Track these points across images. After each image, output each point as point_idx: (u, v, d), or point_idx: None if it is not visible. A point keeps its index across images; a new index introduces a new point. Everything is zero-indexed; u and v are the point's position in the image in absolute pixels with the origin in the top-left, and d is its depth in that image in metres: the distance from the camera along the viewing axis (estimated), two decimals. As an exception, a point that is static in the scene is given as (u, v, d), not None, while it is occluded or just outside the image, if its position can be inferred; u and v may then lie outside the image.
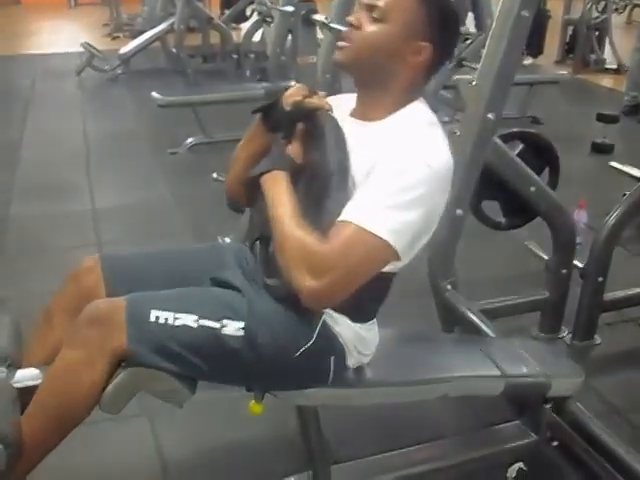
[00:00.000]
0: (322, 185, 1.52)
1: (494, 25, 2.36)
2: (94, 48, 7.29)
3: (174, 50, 7.54)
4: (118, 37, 9.49)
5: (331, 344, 1.62)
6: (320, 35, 4.51)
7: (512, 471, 2.10)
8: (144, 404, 2.31)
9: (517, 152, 2.56)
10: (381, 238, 1.43)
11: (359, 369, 1.71)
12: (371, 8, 1.56)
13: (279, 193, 1.53)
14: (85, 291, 1.71)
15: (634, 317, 2.95)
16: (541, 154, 2.61)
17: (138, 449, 2.27)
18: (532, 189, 2.48)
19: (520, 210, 2.57)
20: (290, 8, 3.51)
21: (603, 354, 2.72)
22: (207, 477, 2.16)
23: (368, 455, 2.14)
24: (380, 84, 1.60)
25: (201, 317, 1.53)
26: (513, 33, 2.26)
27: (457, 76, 5.35)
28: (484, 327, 2.43)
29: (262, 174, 1.58)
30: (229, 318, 1.55)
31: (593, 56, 8.18)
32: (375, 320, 1.72)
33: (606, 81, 7.85)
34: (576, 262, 2.66)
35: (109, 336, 1.48)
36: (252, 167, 1.65)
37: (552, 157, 2.63)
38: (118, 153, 5.21)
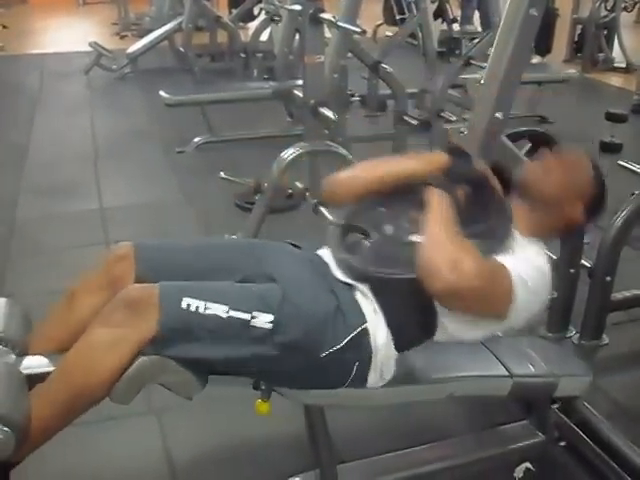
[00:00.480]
0: (484, 230, 1.72)
1: (502, 24, 2.35)
2: (102, 47, 7.30)
3: (182, 49, 7.55)
4: (126, 36, 9.49)
5: (362, 351, 1.63)
6: (328, 34, 4.51)
7: (519, 471, 2.10)
8: (151, 402, 2.32)
9: (525, 151, 2.55)
10: (512, 296, 1.64)
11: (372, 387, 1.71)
12: (567, 158, 1.93)
13: (448, 210, 1.70)
14: (114, 277, 1.74)
15: (642, 317, 2.95)
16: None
17: (146, 447, 2.27)
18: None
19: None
20: (298, 7, 3.50)
21: (611, 354, 2.71)
22: (214, 475, 2.17)
23: (375, 454, 2.15)
24: (539, 213, 1.86)
25: (232, 308, 1.56)
26: (521, 32, 2.25)
27: (465, 75, 5.33)
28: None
29: (438, 187, 1.75)
30: (260, 310, 1.57)
31: (602, 55, 8.14)
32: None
33: (615, 80, 7.82)
34: (584, 261, 2.65)
35: (140, 319, 1.52)
36: (395, 181, 1.85)
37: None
38: (126, 152, 5.22)
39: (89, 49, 7.35)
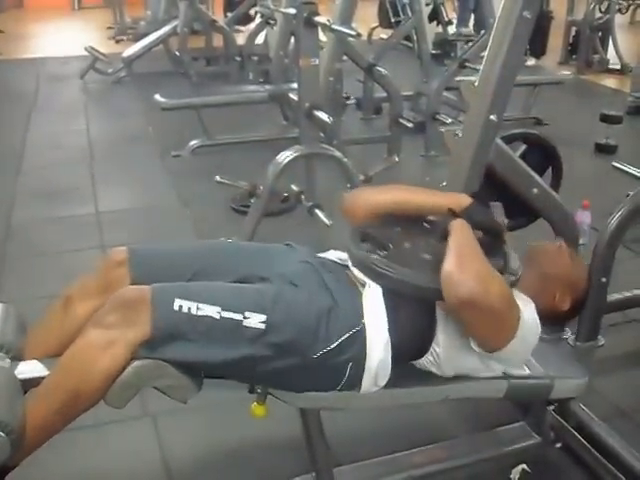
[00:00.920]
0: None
1: (496, 26, 2.35)
2: (98, 51, 7.30)
3: (177, 53, 7.55)
4: (122, 40, 9.48)
5: (355, 353, 1.64)
6: (323, 37, 4.52)
7: (515, 473, 2.10)
8: (147, 406, 2.32)
9: (520, 153, 2.55)
10: (514, 333, 1.66)
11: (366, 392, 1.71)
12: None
13: (473, 236, 1.72)
14: (109, 282, 1.75)
15: (638, 318, 2.95)
16: (544, 155, 2.61)
17: (142, 451, 2.27)
18: (535, 190, 2.47)
19: (523, 211, 2.56)
20: (292, 10, 3.50)
21: (607, 355, 2.71)
22: (210, 479, 2.16)
23: (371, 457, 2.15)
24: (534, 285, 1.90)
25: (224, 309, 1.56)
26: (515, 34, 2.25)
27: (459, 77, 5.34)
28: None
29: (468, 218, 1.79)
30: (252, 310, 1.58)
31: (596, 57, 8.16)
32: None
33: (609, 82, 7.84)
34: (579, 263, 2.65)
35: (133, 321, 1.52)
36: (405, 209, 1.88)
37: (555, 158, 2.63)
38: (122, 156, 5.22)
39: (85, 53, 7.34)
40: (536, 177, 2.49)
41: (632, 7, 10.30)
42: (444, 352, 1.70)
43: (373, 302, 1.69)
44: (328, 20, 3.60)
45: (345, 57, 5.17)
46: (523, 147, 2.58)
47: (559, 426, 2.23)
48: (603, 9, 8.10)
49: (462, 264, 1.59)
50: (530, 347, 1.77)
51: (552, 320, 2.01)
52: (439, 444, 2.23)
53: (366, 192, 2.03)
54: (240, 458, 2.23)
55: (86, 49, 7.27)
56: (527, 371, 1.94)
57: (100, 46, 7.74)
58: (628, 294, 2.85)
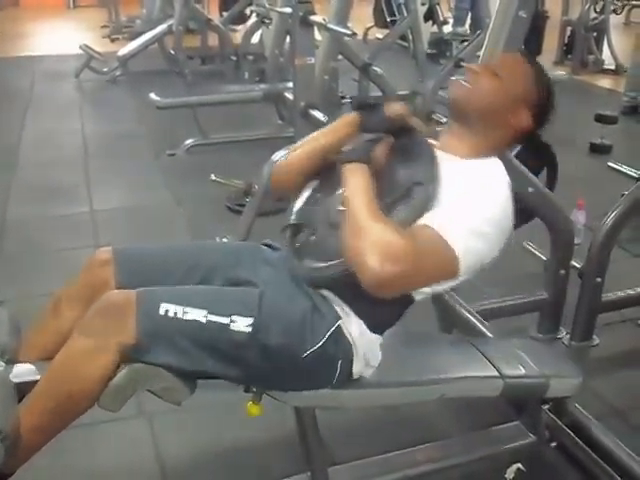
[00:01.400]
0: (403, 193, 1.60)
1: (491, 26, 2.36)
2: (93, 50, 7.28)
3: (173, 52, 7.55)
4: (117, 39, 9.46)
5: (342, 348, 1.63)
6: (318, 36, 4.52)
7: (510, 472, 2.10)
8: (142, 405, 2.32)
9: (515, 153, 2.55)
10: (454, 252, 1.51)
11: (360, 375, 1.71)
12: (494, 66, 1.79)
13: (362, 183, 1.59)
14: (95, 283, 1.73)
15: (632, 317, 2.96)
16: (539, 155, 2.60)
17: (136, 450, 2.27)
18: (530, 190, 2.47)
19: (518, 211, 2.56)
20: (288, 9, 3.51)
21: (601, 355, 2.72)
22: (205, 478, 2.16)
23: (366, 456, 2.14)
24: (478, 129, 1.75)
25: (210, 312, 1.55)
26: (511, 33, 2.26)
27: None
28: (482, 328, 2.44)
29: (347, 161, 1.65)
30: (239, 314, 1.56)
31: (591, 57, 8.17)
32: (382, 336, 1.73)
33: (604, 82, 7.85)
34: (574, 263, 2.66)
35: (118, 327, 1.50)
36: (322, 156, 1.79)
37: (550, 158, 2.63)
38: (117, 155, 5.21)
39: (80, 52, 7.33)
40: (531, 176, 2.49)
41: (627, 8, 10.32)
42: (423, 293, 1.67)
43: (332, 298, 1.66)
44: (324, 19, 3.61)
45: (340, 56, 5.17)
46: (518, 147, 2.58)
47: (554, 425, 2.23)
48: (598, 9, 8.11)
49: (353, 244, 1.48)
50: (497, 224, 1.59)
51: (526, 140, 1.89)
52: (434, 443, 2.23)
53: (283, 162, 1.93)
54: (235, 457, 2.23)
55: (81, 48, 7.25)
56: (522, 370, 1.94)
57: (95, 45, 7.73)
58: (622, 294, 2.86)
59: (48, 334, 1.74)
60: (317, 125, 3.58)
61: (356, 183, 1.59)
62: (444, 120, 4.86)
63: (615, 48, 8.07)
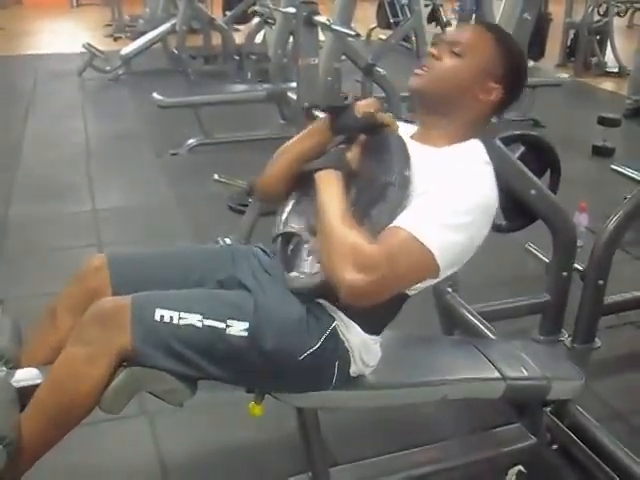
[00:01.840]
0: (378, 193, 1.57)
1: (496, 27, 2.35)
2: (96, 49, 7.29)
3: (175, 51, 7.56)
4: (120, 38, 9.49)
5: (337, 350, 1.62)
6: (322, 37, 4.52)
7: (511, 474, 2.09)
8: (144, 404, 2.32)
9: (518, 155, 2.55)
10: (430, 251, 1.47)
11: (359, 375, 1.71)
12: (452, 44, 1.68)
13: (333, 190, 1.57)
14: (91, 290, 1.72)
15: (634, 320, 2.95)
16: (542, 157, 2.61)
17: (137, 449, 2.27)
18: (533, 192, 2.47)
19: (521, 213, 2.56)
20: (292, 10, 3.51)
21: (603, 357, 2.72)
22: (206, 478, 2.16)
23: (367, 457, 2.14)
24: (447, 114, 1.68)
25: (206, 317, 1.54)
26: (515, 35, 2.25)
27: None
28: (484, 329, 2.44)
29: (318, 169, 1.63)
30: (234, 318, 1.55)
31: (594, 59, 8.18)
32: (380, 335, 1.72)
33: (607, 84, 7.85)
34: (576, 265, 2.66)
35: (113, 334, 1.49)
36: (302, 162, 1.73)
37: (553, 160, 2.63)
38: (119, 154, 5.21)
39: (82, 50, 7.34)
40: (534, 179, 2.49)
41: (630, 10, 10.30)
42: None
43: (325, 303, 1.65)
44: (327, 20, 3.60)
45: (344, 57, 5.17)
46: (522, 149, 2.58)
47: (555, 427, 2.23)
48: (602, 12, 8.11)
49: (326, 257, 1.49)
50: (474, 215, 1.53)
51: (500, 111, 1.75)
52: (435, 445, 2.23)
53: (267, 171, 1.88)
54: (236, 457, 2.23)
55: (84, 46, 7.26)
56: (524, 372, 1.94)
57: (98, 44, 7.74)
58: (625, 296, 2.85)
59: (47, 343, 1.72)
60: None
61: (327, 191, 1.57)
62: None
63: (618, 51, 8.08)
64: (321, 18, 3.47)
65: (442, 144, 1.67)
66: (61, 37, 9.93)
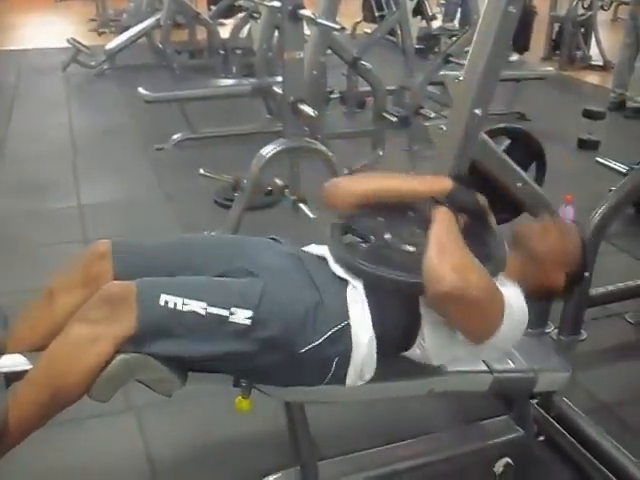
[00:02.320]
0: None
1: (480, 21, 2.35)
2: (80, 43, 7.24)
3: (161, 46, 7.51)
4: (104, 32, 9.41)
5: (341, 349, 1.63)
6: (307, 31, 4.50)
7: (499, 466, 2.10)
8: (131, 400, 2.31)
9: (504, 148, 2.56)
10: (500, 322, 1.63)
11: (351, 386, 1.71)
12: (563, 227, 1.95)
13: (455, 225, 1.70)
14: (92, 276, 1.72)
15: (620, 312, 2.97)
16: (528, 150, 2.62)
17: (125, 445, 2.26)
18: (519, 185, 2.48)
19: (507, 206, 2.57)
20: (277, 3, 3.49)
21: (589, 349, 2.73)
22: (195, 473, 2.16)
23: (355, 451, 2.15)
24: (527, 261, 1.85)
25: (210, 304, 1.55)
26: (500, 29, 2.26)
27: (444, 72, 5.35)
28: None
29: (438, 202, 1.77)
30: (238, 306, 1.57)
31: (579, 53, 8.21)
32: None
33: (592, 77, 7.88)
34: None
35: (118, 316, 1.51)
36: (395, 198, 1.86)
37: (538, 153, 2.64)
38: (104, 149, 5.19)
39: (67, 45, 7.29)
40: (520, 171, 2.50)
41: (614, 4, 10.35)
42: (430, 344, 1.70)
43: (356, 298, 1.68)
44: (313, 13, 3.59)
45: (329, 51, 5.16)
46: (507, 142, 2.59)
47: (542, 419, 2.24)
48: (586, 5, 8.14)
49: (442, 257, 1.56)
50: (517, 334, 1.74)
51: (547, 298, 2.01)
52: (423, 437, 2.24)
53: (347, 181, 2.00)
54: (224, 452, 2.23)
55: (68, 41, 7.22)
56: (511, 365, 1.95)
57: (82, 38, 7.69)
58: (610, 288, 2.87)
59: (40, 325, 1.72)
60: (306, 120, 3.57)
61: (450, 222, 1.70)
62: (432, 115, 4.87)
63: (603, 44, 8.11)
64: (306, 12, 3.45)
65: (510, 275, 1.79)
66: (45, 32, 9.86)
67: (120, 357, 1.51)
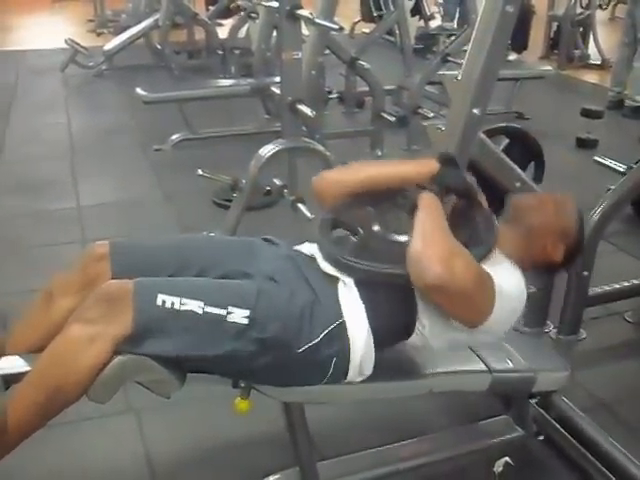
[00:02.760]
0: (465, 241, 1.66)
1: (478, 20, 2.36)
2: (78, 44, 7.24)
3: (159, 46, 7.52)
4: (102, 33, 9.40)
5: (339, 347, 1.63)
6: (305, 31, 4.50)
7: (499, 465, 2.10)
8: (130, 401, 2.31)
9: (502, 147, 2.56)
10: (493, 307, 1.62)
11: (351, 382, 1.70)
12: (557, 200, 1.92)
13: (441, 211, 1.68)
14: (90, 278, 1.72)
15: (619, 311, 2.97)
16: (526, 149, 2.62)
17: (124, 447, 2.26)
18: (517, 184, 2.48)
19: (505, 205, 2.57)
20: (275, 3, 3.49)
21: (588, 348, 2.73)
22: (194, 474, 2.16)
23: (355, 451, 2.15)
24: (523, 236, 1.84)
25: (207, 304, 1.55)
26: (498, 28, 2.26)
27: (442, 71, 5.35)
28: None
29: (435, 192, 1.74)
30: (236, 306, 1.56)
31: (577, 52, 8.20)
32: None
33: (590, 76, 7.88)
34: (561, 257, 2.67)
35: (115, 316, 1.50)
36: (381, 184, 1.84)
37: (537, 152, 2.65)
38: (103, 150, 5.18)
39: (65, 46, 7.28)
40: (518, 171, 2.50)
41: (612, 3, 10.35)
42: (429, 331, 1.69)
43: (349, 295, 1.68)
44: (311, 13, 3.59)
45: (327, 51, 5.16)
46: (505, 141, 2.59)
47: (542, 419, 2.24)
48: (584, 4, 8.14)
49: (425, 248, 1.55)
50: (514, 314, 1.73)
51: (548, 270, 1.99)
52: (423, 437, 2.24)
53: (334, 173, 2.00)
54: (223, 453, 2.23)
55: (67, 42, 7.21)
56: (510, 364, 1.95)
57: (81, 39, 7.67)
58: (609, 288, 2.87)
59: (38, 327, 1.72)
60: (304, 120, 3.57)
61: (436, 209, 1.68)
62: (430, 115, 4.87)
63: (601, 43, 8.11)
64: (304, 12, 3.45)
65: (501, 252, 1.78)
66: (43, 32, 9.85)
67: (118, 359, 1.51)
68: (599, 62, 8.07)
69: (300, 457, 1.96)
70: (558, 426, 2.20)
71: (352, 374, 1.66)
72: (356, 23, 8.93)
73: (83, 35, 8.96)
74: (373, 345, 1.66)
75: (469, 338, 1.74)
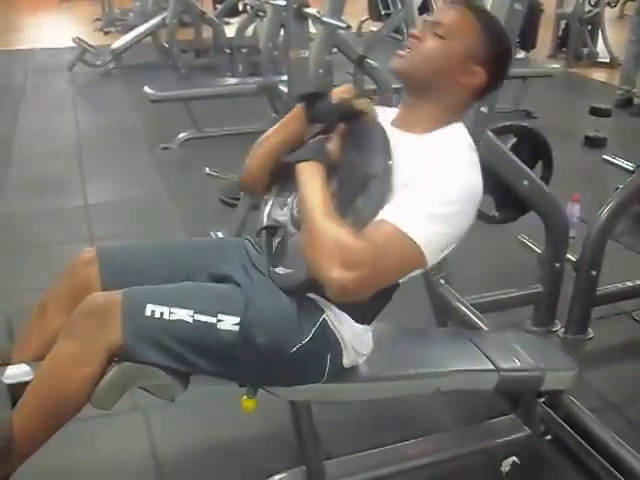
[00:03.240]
0: (360, 185, 1.53)
1: (487, 18, 2.35)
2: (86, 43, 7.25)
3: (166, 45, 7.52)
4: (110, 32, 9.43)
5: (329, 341, 1.62)
6: (313, 29, 4.50)
7: (506, 465, 2.10)
8: (137, 400, 2.31)
9: (510, 146, 2.55)
10: (415, 243, 1.45)
11: (353, 365, 1.70)
12: (435, 26, 1.62)
13: (315, 183, 1.52)
14: (81, 285, 1.71)
15: (627, 310, 2.96)
16: (534, 148, 2.61)
17: (131, 444, 2.26)
18: (525, 183, 2.47)
19: (513, 204, 2.57)
20: (282, 2, 3.49)
21: (596, 347, 2.72)
22: (201, 473, 2.16)
23: (361, 450, 2.14)
24: (430, 98, 1.63)
25: (197, 312, 1.53)
26: (506, 26, 2.24)
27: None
28: (477, 321, 2.44)
29: (298, 161, 1.58)
30: (225, 313, 1.55)
31: (586, 50, 8.17)
32: (372, 324, 1.72)
33: (599, 75, 7.85)
34: (569, 256, 2.67)
35: (104, 330, 1.48)
36: (282, 154, 1.70)
37: (545, 151, 2.63)
38: (110, 148, 5.19)
39: (73, 45, 7.30)
40: (526, 170, 2.49)
41: (621, 1, 10.30)
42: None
43: (314, 296, 1.64)
44: (318, 12, 3.59)
45: (335, 49, 5.15)
46: (513, 140, 2.58)
47: (549, 418, 2.23)
48: (593, 2, 8.10)
49: (314, 252, 1.43)
50: (465, 219, 1.53)
51: (486, 91, 1.69)
52: (430, 436, 2.23)
53: (248, 161, 1.85)
54: (230, 451, 2.23)
55: (74, 41, 7.22)
56: (517, 363, 1.94)
57: (88, 38, 7.69)
58: (617, 287, 2.86)
59: (38, 338, 1.72)
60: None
61: (309, 184, 1.52)
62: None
63: (609, 41, 8.07)
64: (312, 10, 3.46)
65: (423, 130, 1.62)
66: (51, 31, 9.87)
67: (118, 366, 1.50)
68: (608, 60, 8.04)
69: (307, 456, 1.96)
70: (566, 426, 2.19)
71: (350, 360, 1.66)
72: (364, 21, 8.92)
73: (91, 34, 8.98)
74: (358, 325, 1.64)
75: (438, 259, 1.56)
